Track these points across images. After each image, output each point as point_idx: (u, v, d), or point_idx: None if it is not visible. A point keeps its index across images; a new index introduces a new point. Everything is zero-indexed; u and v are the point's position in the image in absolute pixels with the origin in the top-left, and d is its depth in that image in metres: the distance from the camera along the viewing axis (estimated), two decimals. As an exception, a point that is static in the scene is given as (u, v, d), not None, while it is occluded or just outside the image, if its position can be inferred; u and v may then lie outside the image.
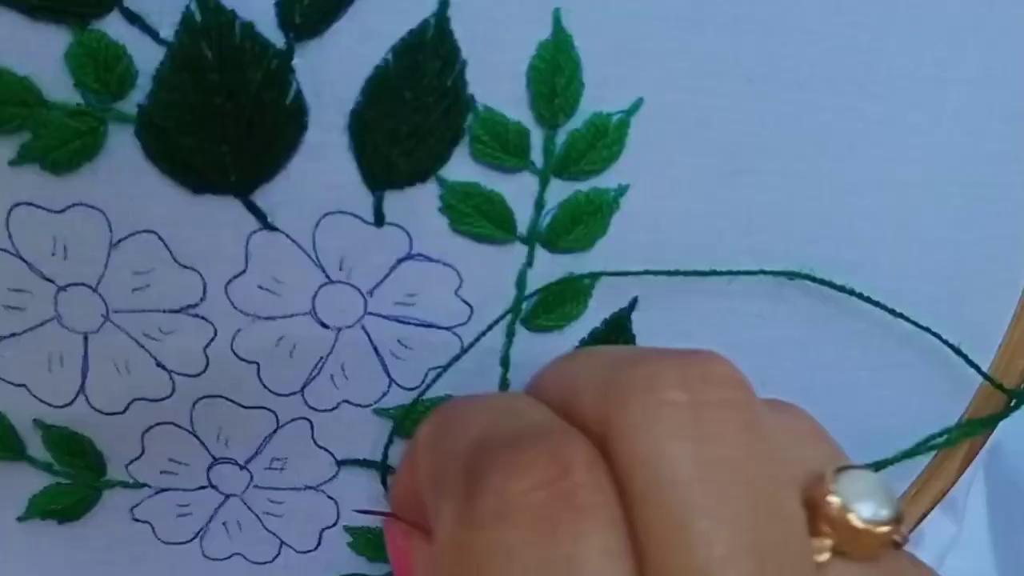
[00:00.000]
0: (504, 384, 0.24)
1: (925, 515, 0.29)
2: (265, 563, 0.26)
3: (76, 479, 0.24)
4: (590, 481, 0.16)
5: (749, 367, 0.24)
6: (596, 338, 0.24)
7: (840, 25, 0.21)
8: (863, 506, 0.17)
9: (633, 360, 0.18)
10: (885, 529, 0.17)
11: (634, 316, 0.24)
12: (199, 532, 0.25)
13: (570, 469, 0.16)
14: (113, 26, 0.19)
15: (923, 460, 0.29)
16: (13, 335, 0.22)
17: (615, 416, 0.17)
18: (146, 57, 0.19)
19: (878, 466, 0.27)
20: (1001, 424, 0.31)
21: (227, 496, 0.25)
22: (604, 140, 0.21)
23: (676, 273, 0.23)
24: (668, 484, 0.16)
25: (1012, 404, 0.27)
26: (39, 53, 0.19)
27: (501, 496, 0.16)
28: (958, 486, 0.31)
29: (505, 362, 0.24)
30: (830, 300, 0.24)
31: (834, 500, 0.17)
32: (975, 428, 0.26)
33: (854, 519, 0.16)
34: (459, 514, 0.16)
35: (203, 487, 0.25)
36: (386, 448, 0.25)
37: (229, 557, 0.26)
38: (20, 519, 0.24)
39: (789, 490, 0.17)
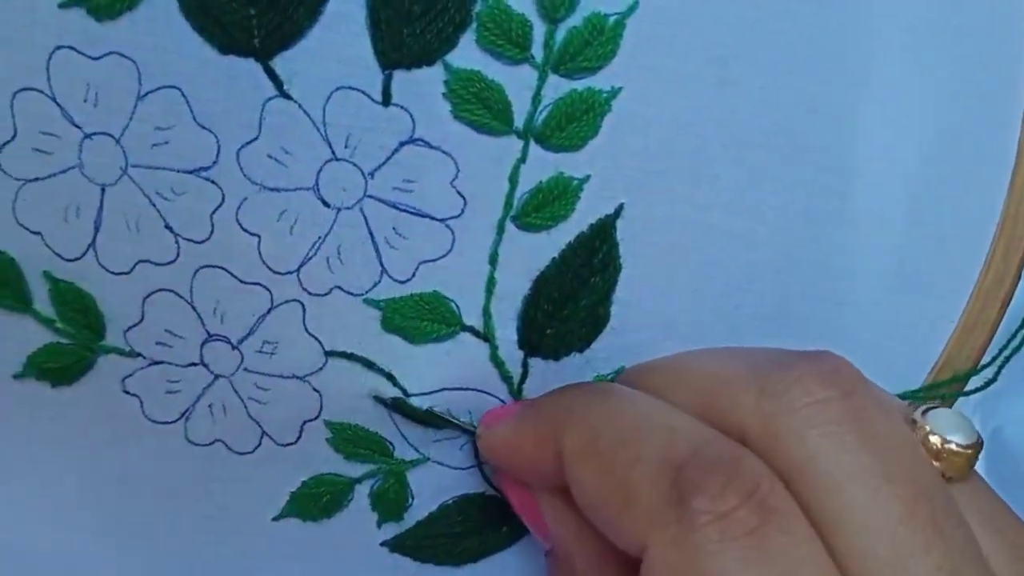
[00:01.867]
0: (491, 283, 0.24)
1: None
2: (245, 453, 0.26)
3: (75, 338, 0.24)
4: (776, 488, 0.19)
5: (723, 286, 0.25)
6: (581, 242, 0.24)
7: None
8: (957, 435, 0.21)
9: (776, 365, 0.21)
10: (972, 451, 0.21)
11: (619, 223, 0.24)
12: (185, 412, 0.25)
13: (759, 481, 0.19)
14: None
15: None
16: (37, 179, 0.23)
17: (776, 422, 0.20)
18: (191, -84, 0.21)
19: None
20: (1004, 410, 0.30)
21: (216, 376, 0.25)
22: (600, 39, 0.22)
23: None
24: (843, 476, 0.19)
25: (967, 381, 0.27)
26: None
27: (713, 517, 0.18)
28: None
29: (493, 259, 0.24)
30: (812, 224, 0.24)
31: (934, 438, 0.21)
32: (947, 383, 0.26)
33: (954, 447, 0.20)
34: (676, 539, 0.19)
35: (194, 364, 0.25)
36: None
37: (211, 444, 0.25)
38: (16, 376, 0.25)
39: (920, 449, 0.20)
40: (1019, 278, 0.25)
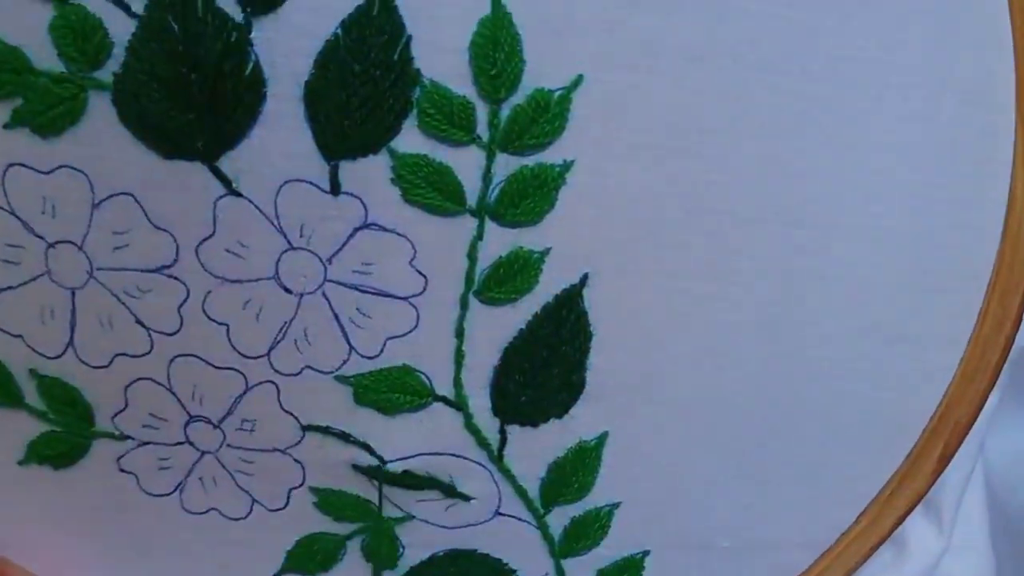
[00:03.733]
0: (459, 355, 0.25)
1: (903, 518, 0.28)
2: (239, 519, 0.27)
3: (68, 427, 0.26)
4: None
5: (702, 349, 0.24)
6: (548, 313, 0.24)
7: (779, 5, 0.21)
8: None
9: None
10: None
11: (585, 292, 0.24)
12: (179, 485, 0.26)
13: None
14: (91, 0, 0.21)
15: (895, 460, 0.28)
16: (10, 288, 0.24)
17: None
18: (120, 30, 0.21)
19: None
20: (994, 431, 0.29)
21: (203, 452, 0.26)
22: (546, 115, 0.22)
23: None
24: None
25: None
26: (26, 24, 0.21)
27: None
28: (942, 491, 0.30)
29: (459, 332, 0.24)
30: (788, 282, 0.24)
31: None
32: None
33: None
34: None
35: (181, 443, 0.26)
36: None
37: (206, 512, 0.27)
38: (20, 463, 0.26)
39: None
40: (1019, 322, 0.24)
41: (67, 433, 0.26)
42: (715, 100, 0.22)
